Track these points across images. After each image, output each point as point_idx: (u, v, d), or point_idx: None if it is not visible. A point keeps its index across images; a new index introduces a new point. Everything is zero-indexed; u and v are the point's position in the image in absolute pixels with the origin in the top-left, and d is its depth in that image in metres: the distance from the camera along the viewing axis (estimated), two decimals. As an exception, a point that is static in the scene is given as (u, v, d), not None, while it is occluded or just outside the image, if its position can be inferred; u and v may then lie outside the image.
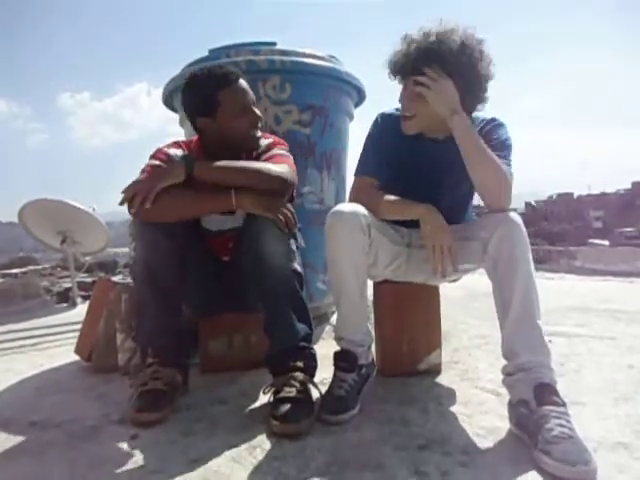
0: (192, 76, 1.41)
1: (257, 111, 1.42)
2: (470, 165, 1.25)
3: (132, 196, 1.25)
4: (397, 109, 1.45)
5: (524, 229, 1.18)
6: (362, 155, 1.47)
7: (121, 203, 1.28)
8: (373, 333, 1.63)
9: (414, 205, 1.30)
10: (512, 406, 1.12)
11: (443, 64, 1.24)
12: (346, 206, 1.31)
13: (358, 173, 1.44)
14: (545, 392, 1.06)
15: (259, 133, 1.44)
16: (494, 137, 1.33)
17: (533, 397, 1.06)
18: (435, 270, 1.24)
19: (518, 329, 1.14)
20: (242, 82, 1.40)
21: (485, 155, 1.23)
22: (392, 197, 1.34)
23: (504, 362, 1.17)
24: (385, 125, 1.45)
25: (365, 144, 1.47)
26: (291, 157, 1.43)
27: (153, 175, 1.29)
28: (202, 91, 1.38)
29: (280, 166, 1.34)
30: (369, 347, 1.41)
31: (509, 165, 1.29)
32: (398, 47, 1.32)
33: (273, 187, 1.30)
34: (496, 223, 1.19)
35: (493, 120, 1.40)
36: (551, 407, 1.03)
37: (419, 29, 1.29)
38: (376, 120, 1.48)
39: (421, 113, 1.32)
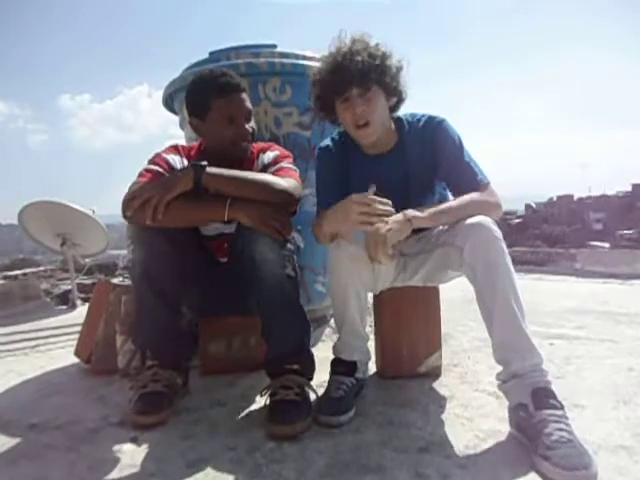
0: (200, 74, 1.44)
1: (248, 126, 1.41)
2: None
3: (140, 203, 1.24)
4: (332, 138, 1.47)
5: (498, 233, 1.15)
6: (317, 192, 1.47)
7: (126, 213, 1.27)
8: (373, 336, 1.63)
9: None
10: (511, 409, 1.12)
11: (364, 77, 1.26)
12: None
13: (318, 207, 1.44)
14: (542, 396, 1.06)
15: (247, 145, 1.43)
16: (449, 144, 1.32)
17: (531, 402, 1.05)
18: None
19: (505, 336, 1.12)
20: (240, 95, 1.40)
21: (459, 212, 1.21)
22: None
23: (499, 367, 1.17)
24: (329, 156, 1.45)
25: (316, 182, 1.47)
26: (297, 171, 1.43)
27: (162, 185, 1.26)
28: (199, 92, 1.40)
29: (286, 180, 1.33)
30: (366, 363, 1.44)
31: (478, 171, 1.29)
32: (320, 68, 1.37)
33: (278, 200, 1.28)
34: (467, 229, 1.17)
35: (433, 118, 1.38)
36: (550, 411, 1.03)
37: (329, 51, 1.34)
38: (318, 157, 1.48)
39: (374, 118, 1.32)
